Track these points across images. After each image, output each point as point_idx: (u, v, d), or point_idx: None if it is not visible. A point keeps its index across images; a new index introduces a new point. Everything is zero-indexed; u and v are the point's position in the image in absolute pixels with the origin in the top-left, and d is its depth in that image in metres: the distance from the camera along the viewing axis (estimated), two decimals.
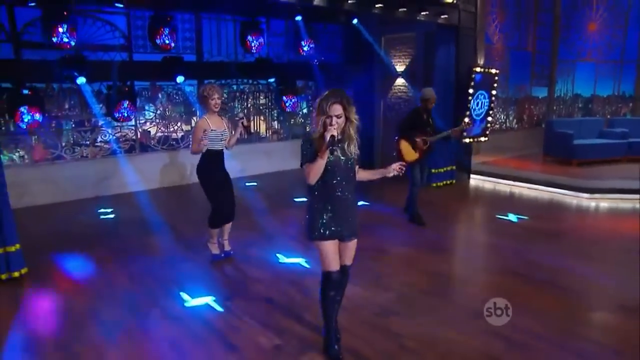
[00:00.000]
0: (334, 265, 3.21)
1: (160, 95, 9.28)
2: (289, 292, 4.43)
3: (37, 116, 6.88)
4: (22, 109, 6.78)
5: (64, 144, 8.04)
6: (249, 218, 6.59)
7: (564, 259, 5.26)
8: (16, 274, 4.71)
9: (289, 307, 4.12)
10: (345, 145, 3.10)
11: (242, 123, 5.15)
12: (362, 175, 3.36)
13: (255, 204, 7.49)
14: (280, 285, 4.59)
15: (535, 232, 6.19)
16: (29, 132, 7.50)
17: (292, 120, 11.14)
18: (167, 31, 7.64)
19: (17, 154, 7.79)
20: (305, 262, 5.13)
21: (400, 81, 9.83)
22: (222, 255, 5.24)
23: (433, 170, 8.45)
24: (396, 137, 6.36)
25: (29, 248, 5.43)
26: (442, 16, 8.07)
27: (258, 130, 10.67)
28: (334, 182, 3.11)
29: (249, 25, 8.71)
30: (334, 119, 2.95)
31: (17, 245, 4.72)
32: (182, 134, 9.47)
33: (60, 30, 6.72)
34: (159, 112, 9.22)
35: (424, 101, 6.31)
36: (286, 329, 3.74)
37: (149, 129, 9.24)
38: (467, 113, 8.42)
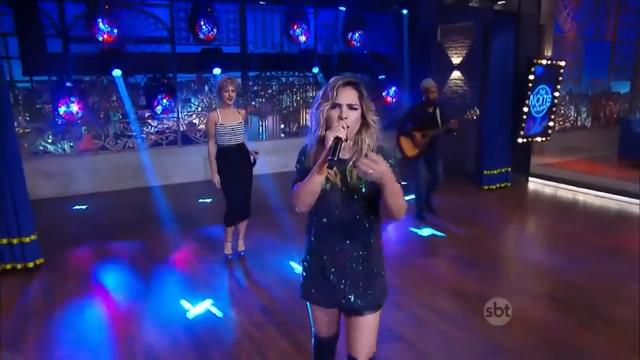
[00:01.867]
0: (324, 332, 2.31)
1: (206, 87, 9.25)
2: (287, 308, 4.04)
3: (77, 108, 7.01)
4: (64, 100, 6.97)
5: (111, 135, 8.20)
6: (274, 218, 6.29)
7: (628, 285, 4.37)
8: (30, 264, 4.74)
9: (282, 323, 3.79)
10: (350, 167, 1.98)
11: (254, 157, 4.86)
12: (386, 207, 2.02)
13: (286, 203, 7.21)
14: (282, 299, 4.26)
15: (595, 249, 5.30)
16: (78, 123, 7.72)
17: None
18: (207, 22, 7.56)
19: (65, 144, 8.04)
20: None
21: (456, 74, 9.13)
22: (230, 256, 5.00)
23: (485, 172, 7.77)
24: (396, 133, 6.06)
25: (55, 238, 5.58)
26: (500, 2, 7.32)
27: (306, 124, 10.40)
28: (323, 222, 2.05)
29: (294, 15, 8.45)
30: (345, 109, 1.91)
31: (33, 236, 4.76)
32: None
33: (102, 24, 6.84)
34: (204, 104, 9.20)
35: (425, 92, 5.93)
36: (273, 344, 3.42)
37: (194, 121, 9.24)
38: (526, 110, 7.62)
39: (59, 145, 7.99)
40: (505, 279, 4.65)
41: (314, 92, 10.15)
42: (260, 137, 9.80)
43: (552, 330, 3.60)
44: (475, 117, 5.99)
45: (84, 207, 7.05)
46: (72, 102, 7.04)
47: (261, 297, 4.20)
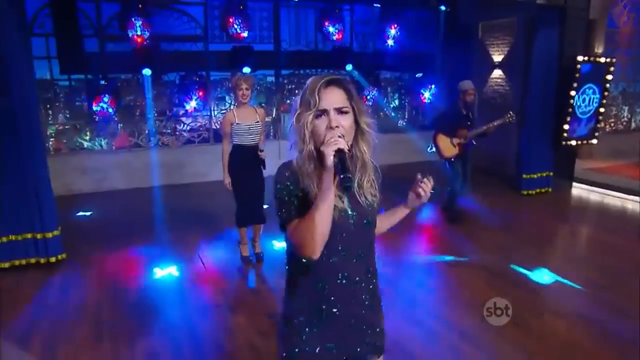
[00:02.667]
0: None
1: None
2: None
3: (111, 105, 7.15)
4: (99, 98, 7.12)
5: (145, 132, 8.34)
6: None
7: None
8: (53, 259, 4.84)
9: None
10: (356, 186, 1.63)
11: (261, 156, 4.72)
12: (381, 225, 1.84)
13: None
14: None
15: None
16: (115, 120, 7.91)
17: (381, 113, 10.51)
18: (239, 20, 7.52)
19: (101, 140, 8.24)
20: None
21: (497, 73, 8.71)
22: (248, 258, 4.92)
23: (524, 176, 7.34)
24: (434, 132, 6.05)
25: (82, 233, 5.69)
26: None
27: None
28: (332, 260, 1.62)
29: (328, 12, 8.29)
30: (334, 115, 1.52)
31: (56, 232, 4.86)
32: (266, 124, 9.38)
33: (136, 23, 6.93)
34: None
35: (462, 93, 5.84)
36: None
37: None
38: (570, 111, 7.14)
39: (96, 142, 8.21)
40: (536, 295, 4.28)
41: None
42: None
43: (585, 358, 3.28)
44: (512, 122, 5.91)
45: (114, 203, 7.18)
46: (106, 100, 7.18)
47: (271, 304, 4.09)
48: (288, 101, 9.67)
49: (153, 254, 5.17)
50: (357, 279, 1.66)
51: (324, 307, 1.64)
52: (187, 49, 8.00)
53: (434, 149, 6.11)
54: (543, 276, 4.58)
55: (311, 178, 1.54)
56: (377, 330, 1.76)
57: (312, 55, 8.94)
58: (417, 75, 9.28)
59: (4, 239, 4.68)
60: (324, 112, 1.52)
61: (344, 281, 1.63)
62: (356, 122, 1.58)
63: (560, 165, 7.61)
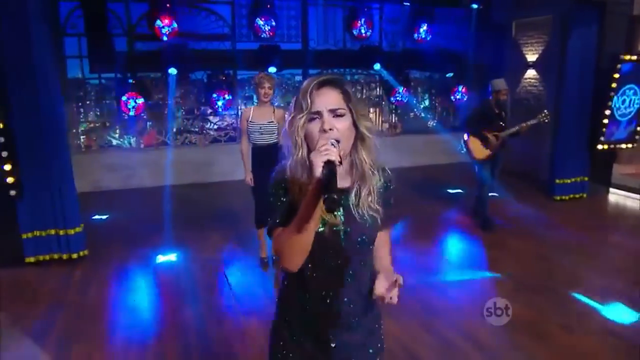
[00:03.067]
0: None
1: None
2: None
3: (139, 104, 7.24)
4: (127, 96, 7.22)
5: (174, 130, 8.44)
6: None
7: None
8: (75, 255, 4.92)
9: None
10: (354, 197, 1.49)
11: None
12: (377, 254, 1.62)
13: None
14: None
15: None
16: (144, 118, 8.03)
17: (411, 113, 10.33)
18: (266, 19, 7.49)
19: (130, 138, 8.38)
20: None
21: (531, 73, 8.39)
22: (266, 259, 4.87)
23: (557, 181, 7.04)
24: (464, 134, 5.81)
25: (105, 230, 5.77)
26: None
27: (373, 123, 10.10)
28: (315, 274, 1.52)
29: (357, 11, 8.17)
30: (328, 117, 1.41)
31: (78, 228, 4.93)
32: None
33: (163, 22, 6.99)
34: None
35: (495, 93, 5.65)
36: None
37: None
38: (608, 113, 6.79)
39: (125, 140, 8.35)
40: (565, 310, 4.00)
41: (378, 91, 9.83)
42: None
43: None
44: (546, 121, 5.70)
45: (139, 201, 7.26)
46: (134, 98, 7.28)
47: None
48: None
49: (173, 253, 5.19)
50: (346, 299, 1.54)
51: (305, 323, 1.57)
52: (214, 48, 8.01)
53: (464, 150, 5.92)
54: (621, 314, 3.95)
55: (300, 188, 1.42)
56: (370, 348, 1.63)
57: (340, 55, 8.83)
58: (447, 75, 9.03)
59: (30, 235, 4.79)
60: (318, 114, 1.42)
61: (327, 300, 1.52)
62: (355, 126, 1.47)
63: (597, 170, 7.26)
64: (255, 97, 4.80)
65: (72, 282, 4.50)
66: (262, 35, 7.57)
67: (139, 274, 4.75)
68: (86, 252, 5.01)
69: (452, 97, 8.93)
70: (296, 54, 8.49)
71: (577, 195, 7.12)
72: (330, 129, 1.39)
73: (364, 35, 8.25)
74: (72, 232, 4.88)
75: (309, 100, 1.42)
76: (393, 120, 10.16)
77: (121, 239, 5.59)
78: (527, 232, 5.79)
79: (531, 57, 8.30)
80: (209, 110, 8.58)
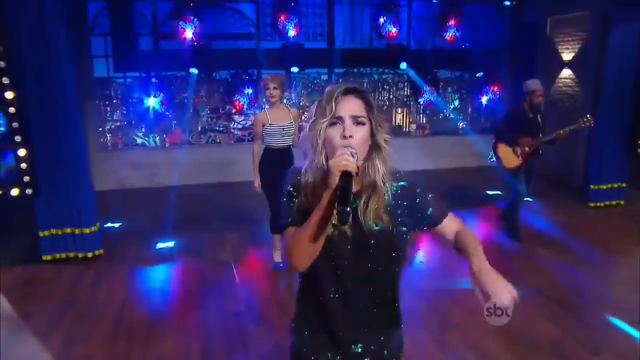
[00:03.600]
0: None
1: (293, 84, 9.14)
2: None
3: (162, 103, 7.27)
4: (151, 95, 7.27)
5: (196, 130, 8.44)
6: None
7: None
8: (89, 254, 4.93)
9: None
10: (363, 205, 1.51)
11: None
12: (458, 243, 1.63)
13: None
14: None
15: None
16: (169, 117, 8.06)
17: (440, 114, 10.03)
18: (290, 17, 7.40)
19: (155, 137, 8.43)
20: None
21: (566, 73, 7.98)
22: (280, 264, 4.75)
23: (592, 186, 6.65)
24: (494, 140, 5.38)
25: (124, 229, 5.77)
26: None
27: (400, 123, 9.89)
28: (328, 278, 1.56)
29: (384, 8, 7.98)
30: (349, 123, 1.43)
31: (93, 227, 4.93)
32: None
33: (187, 21, 6.99)
34: (292, 101, 9.11)
35: (528, 95, 5.16)
36: None
37: None
38: None
39: (150, 138, 8.40)
40: (594, 331, 3.70)
41: (407, 91, 9.58)
42: None
43: None
44: (589, 126, 5.23)
45: (161, 199, 7.23)
46: (158, 97, 7.32)
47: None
48: None
49: (187, 254, 5.15)
50: (359, 304, 1.58)
51: (322, 322, 1.61)
52: (238, 47, 7.96)
53: (493, 159, 5.45)
54: None
55: (314, 192, 1.46)
56: (384, 350, 1.64)
57: (366, 53, 8.62)
58: (477, 75, 8.71)
59: (46, 233, 4.82)
60: (340, 119, 1.44)
61: (338, 299, 1.56)
62: (373, 136, 1.49)
63: (636, 176, 6.83)
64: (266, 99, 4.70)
65: (82, 282, 4.49)
66: (288, 34, 7.50)
67: (151, 274, 4.71)
68: (101, 251, 5.01)
69: (482, 98, 8.61)
70: (321, 52, 8.36)
71: (613, 202, 6.71)
72: (350, 136, 1.42)
73: (391, 33, 8.06)
74: (87, 231, 4.88)
75: (333, 105, 1.44)
76: (421, 121, 9.89)
77: (138, 238, 5.57)
78: (557, 241, 5.47)
79: (567, 56, 7.90)
80: (233, 109, 8.55)
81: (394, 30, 8.07)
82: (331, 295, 1.56)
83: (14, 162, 4.46)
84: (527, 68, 8.43)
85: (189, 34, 7.03)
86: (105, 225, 5.75)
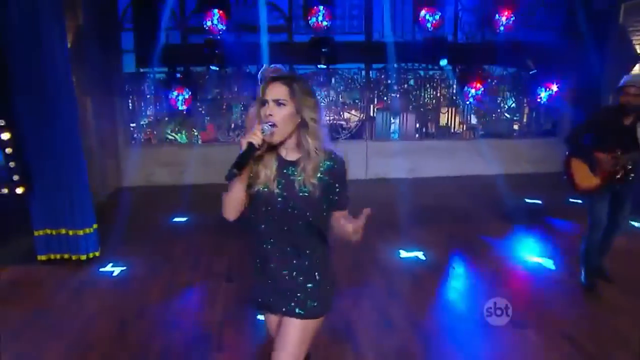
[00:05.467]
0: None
1: (333, 80, 8.64)
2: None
3: (186, 98, 7.05)
4: (176, 91, 7.07)
5: (224, 127, 8.21)
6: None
7: None
8: (83, 257, 4.75)
9: None
10: (298, 172, 1.89)
11: None
12: (339, 228, 1.95)
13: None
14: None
15: None
16: (202, 113, 7.91)
17: (493, 115, 9.14)
18: (321, 9, 6.91)
19: (184, 134, 8.27)
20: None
21: None
22: None
23: None
24: (566, 152, 4.15)
25: (129, 229, 5.56)
26: None
27: (448, 124, 9.11)
28: (261, 229, 1.95)
29: None
30: (272, 105, 1.83)
31: (88, 229, 4.74)
32: (357, 122, 8.69)
33: (215, 15, 6.72)
34: (329, 98, 8.63)
35: (624, 96, 3.77)
36: None
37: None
38: None
39: (183, 135, 8.26)
40: None
41: (454, 88, 8.78)
42: (393, 136, 8.86)
43: None
44: None
45: (181, 198, 7.01)
46: (185, 93, 7.11)
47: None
48: (385, 98, 8.85)
49: (184, 261, 4.83)
50: (285, 249, 1.95)
51: (258, 264, 2.03)
52: (270, 41, 7.57)
53: (564, 176, 4.21)
54: None
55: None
56: (301, 298, 1.97)
57: (407, 47, 7.93)
58: (530, 72, 7.74)
59: (41, 232, 4.69)
60: (266, 102, 1.84)
61: (268, 246, 1.95)
62: (300, 115, 1.85)
63: None
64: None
65: (63, 287, 4.26)
66: (320, 27, 7.01)
67: (143, 281, 4.40)
68: (97, 253, 4.82)
69: (539, 97, 7.64)
70: (351, 46, 7.79)
71: None
72: (270, 115, 1.82)
73: (434, 25, 7.33)
74: (81, 232, 4.69)
75: (263, 91, 1.87)
76: (470, 121, 9.04)
77: (141, 239, 5.35)
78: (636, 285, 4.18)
79: None
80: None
81: (436, 21, 7.33)
82: (264, 246, 1.96)
83: (2, 161, 4.31)
84: (596, 63, 7.41)
85: (216, 27, 6.75)
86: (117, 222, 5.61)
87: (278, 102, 1.82)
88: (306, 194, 1.86)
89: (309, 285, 1.98)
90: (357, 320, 3.63)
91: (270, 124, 1.80)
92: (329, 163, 1.89)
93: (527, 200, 6.83)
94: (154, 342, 3.37)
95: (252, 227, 1.97)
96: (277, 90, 1.83)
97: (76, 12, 6.04)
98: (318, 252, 1.99)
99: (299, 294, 1.97)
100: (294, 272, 1.96)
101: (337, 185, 1.91)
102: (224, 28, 6.79)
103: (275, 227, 1.92)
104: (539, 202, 6.79)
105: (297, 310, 1.97)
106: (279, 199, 1.88)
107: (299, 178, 1.86)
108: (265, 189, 1.88)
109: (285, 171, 1.90)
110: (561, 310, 3.79)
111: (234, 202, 1.89)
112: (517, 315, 3.40)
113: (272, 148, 1.88)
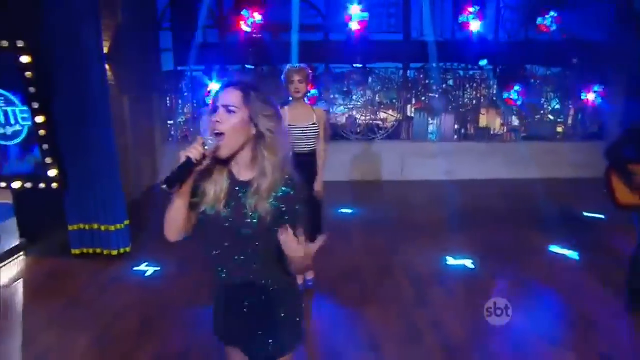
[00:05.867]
0: None
1: (370, 79, 8.52)
2: None
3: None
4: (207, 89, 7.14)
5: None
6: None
7: None
8: (114, 252, 4.84)
9: None
10: (250, 193, 1.63)
11: None
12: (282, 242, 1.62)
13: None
14: None
15: None
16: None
17: (537, 116, 8.79)
18: (359, 7, 6.84)
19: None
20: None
21: None
22: (301, 287, 4.18)
23: None
24: (607, 165, 3.82)
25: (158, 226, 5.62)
26: None
27: (487, 125, 8.82)
28: (215, 254, 1.71)
29: None
30: (221, 112, 1.59)
31: (119, 225, 4.82)
32: (393, 123, 8.54)
33: (249, 13, 6.75)
34: (366, 97, 8.51)
35: None
36: None
37: (354, 115, 8.62)
38: None
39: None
40: None
41: (495, 89, 8.49)
42: (431, 137, 8.67)
43: None
44: None
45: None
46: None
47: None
48: (423, 98, 8.66)
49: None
50: (243, 280, 1.71)
51: (217, 293, 1.84)
52: (305, 40, 7.54)
53: (605, 190, 3.90)
54: None
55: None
56: (264, 338, 1.77)
57: (446, 47, 7.72)
58: (579, 71, 7.38)
59: (75, 227, 4.81)
60: (217, 108, 1.62)
61: (223, 275, 1.73)
62: (256, 125, 1.61)
63: None
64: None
65: (94, 281, 4.37)
66: (357, 26, 6.93)
67: (168, 279, 4.45)
68: (128, 249, 4.91)
69: (584, 99, 7.28)
70: (395, 45, 7.66)
71: None
72: (217, 121, 1.58)
73: (475, 23, 7.11)
74: (113, 228, 4.79)
75: (216, 97, 1.65)
76: (511, 123, 8.72)
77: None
78: None
79: None
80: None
81: (476, 20, 7.10)
82: (221, 275, 1.73)
83: (40, 157, 4.46)
84: None
85: (249, 27, 6.79)
86: (147, 218, 5.68)
87: (228, 109, 1.59)
88: (255, 220, 1.62)
89: (272, 322, 1.77)
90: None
91: (216, 132, 1.57)
92: (284, 189, 1.63)
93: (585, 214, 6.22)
94: (176, 342, 3.39)
95: (207, 253, 1.73)
96: (230, 96, 1.60)
97: (116, 12, 6.18)
98: (281, 285, 1.76)
99: (260, 332, 1.77)
100: (254, 308, 1.75)
101: (286, 217, 1.62)
102: (261, 27, 6.81)
103: (229, 254, 1.68)
104: (602, 217, 5.99)
105: (257, 351, 1.80)
106: (226, 224, 1.65)
107: (250, 201, 1.61)
108: (212, 211, 1.65)
109: (236, 190, 1.65)
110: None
111: (173, 222, 1.64)
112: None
113: (222, 163, 1.64)
